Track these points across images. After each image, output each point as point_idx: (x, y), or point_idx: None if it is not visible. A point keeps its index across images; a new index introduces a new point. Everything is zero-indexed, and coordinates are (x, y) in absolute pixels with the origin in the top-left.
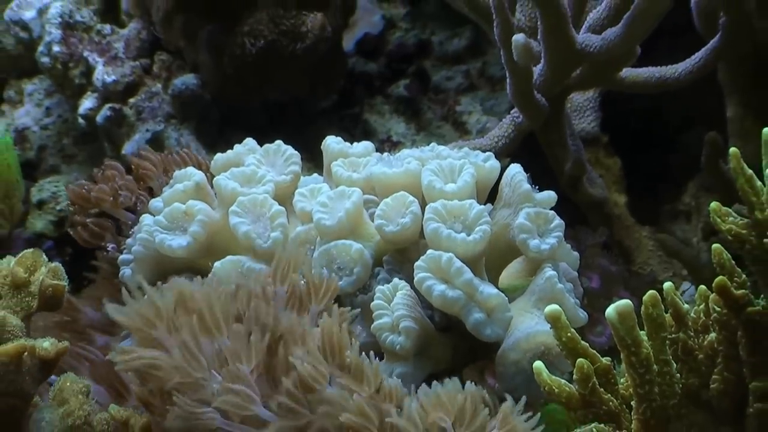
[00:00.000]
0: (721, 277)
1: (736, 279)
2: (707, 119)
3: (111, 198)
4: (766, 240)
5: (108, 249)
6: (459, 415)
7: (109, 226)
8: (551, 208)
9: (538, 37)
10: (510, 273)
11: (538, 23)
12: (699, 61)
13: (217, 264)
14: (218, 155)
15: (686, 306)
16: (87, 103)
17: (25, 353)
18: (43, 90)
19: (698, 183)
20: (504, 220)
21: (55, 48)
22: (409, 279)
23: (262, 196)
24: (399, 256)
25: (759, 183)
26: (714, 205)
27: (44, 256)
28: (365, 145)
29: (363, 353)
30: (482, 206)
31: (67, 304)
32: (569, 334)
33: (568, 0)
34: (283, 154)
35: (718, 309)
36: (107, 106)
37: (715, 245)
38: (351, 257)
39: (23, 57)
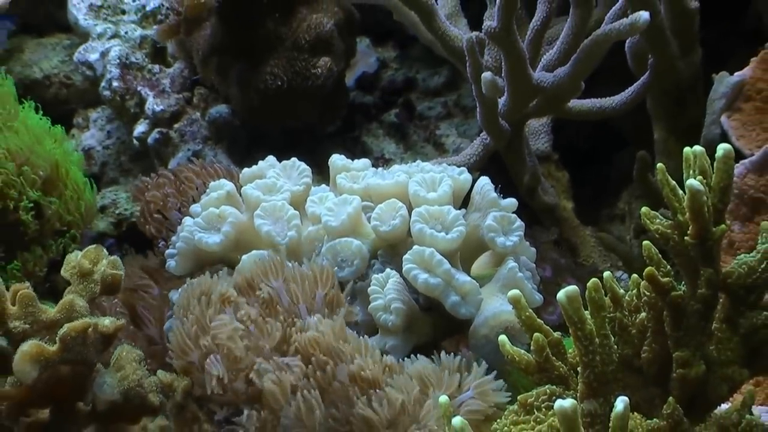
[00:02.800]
0: (650, 267)
1: (662, 269)
2: (638, 141)
3: (161, 202)
4: (686, 238)
5: (159, 245)
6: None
7: (163, 226)
8: (513, 212)
9: (502, 74)
10: (479, 264)
11: (503, 63)
12: (631, 93)
13: (244, 257)
14: (245, 169)
15: (622, 291)
16: (140, 127)
17: (90, 329)
18: (105, 117)
19: (631, 192)
20: (475, 222)
21: (115, 83)
22: (399, 269)
23: (280, 202)
24: (390, 250)
25: (681, 192)
26: (644, 209)
27: (105, 251)
28: (363, 162)
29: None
30: (458, 211)
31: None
32: (527, 313)
33: (526, 44)
34: (298, 168)
35: (647, 293)
36: (156, 130)
37: (645, 242)
38: (352, 251)
39: (89, 91)
